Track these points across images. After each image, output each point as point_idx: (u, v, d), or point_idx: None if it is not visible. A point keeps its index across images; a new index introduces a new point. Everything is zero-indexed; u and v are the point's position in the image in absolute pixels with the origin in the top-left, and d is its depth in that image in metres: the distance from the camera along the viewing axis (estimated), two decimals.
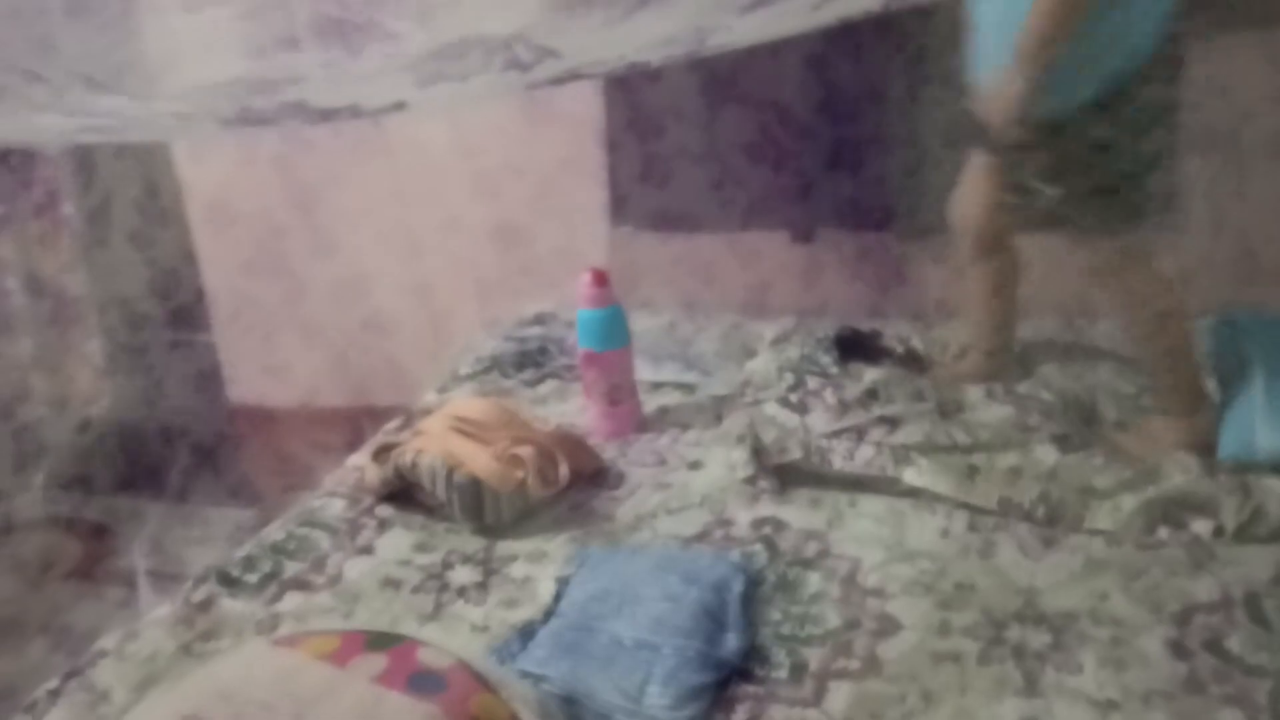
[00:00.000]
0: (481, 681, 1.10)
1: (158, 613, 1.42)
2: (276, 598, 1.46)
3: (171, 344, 2.43)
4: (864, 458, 1.61)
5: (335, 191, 2.46)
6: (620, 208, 2.31)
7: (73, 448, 2.61)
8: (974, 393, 1.75)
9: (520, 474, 1.60)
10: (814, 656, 1.26)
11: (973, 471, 1.55)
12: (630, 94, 2.22)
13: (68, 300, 2.62)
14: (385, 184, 2.41)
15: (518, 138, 2.36)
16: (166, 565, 2.10)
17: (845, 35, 2.01)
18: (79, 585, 2.36)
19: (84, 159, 2.56)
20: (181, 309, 2.45)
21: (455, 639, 1.32)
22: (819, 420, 1.70)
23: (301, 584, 1.49)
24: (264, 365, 2.59)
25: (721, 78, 2.14)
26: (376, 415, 2.44)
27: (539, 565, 1.50)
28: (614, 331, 1.84)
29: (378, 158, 2.38)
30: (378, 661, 1.09)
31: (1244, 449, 1.49)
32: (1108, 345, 1.92)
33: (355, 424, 2.49)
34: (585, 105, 2.26)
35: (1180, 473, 1.49)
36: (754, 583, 1.39)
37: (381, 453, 1.69)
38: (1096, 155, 1.50)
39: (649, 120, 2.22)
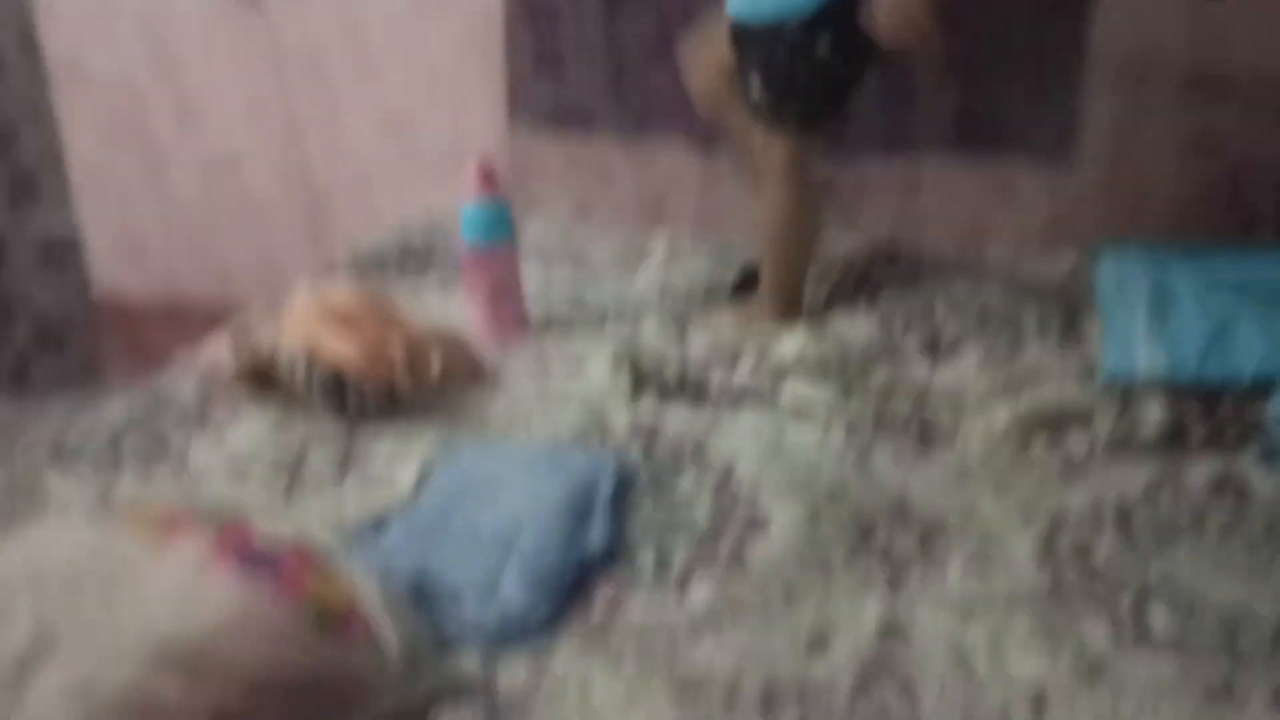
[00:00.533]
0: (319, 566, 1.02)
1: None
2: (112, 479, 1.35)
3: (18, 214, 2.22)
4: (739, 378, 1.58)
5: (204, 60, 2.28)
6: (515, 103, 2.21)
7: None
8: (840, 308, 1.78)
9: (388, 366, 1.52)
10: (680, 554, 1.22)
11: (847, 389, 1.54)
12: None
13: None
14: (262, 60, 2.25)
15: (410, 23, 2.22)
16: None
17: None
18: None
19: None
20: (27, 175, 2.23)
21: (305, 530, 1.24)
22: (696, 341, 1.68)
23: (141, 463, 1.38)
24: (120, 246, 2.41)
25: None
26: (242, 309, 2.31)
27: (401, 460, 1.42)
28: (499, 226, 1.75)
29: (254, 31, 2.22)
30: (205, 540, 1.01)
31: (1125, 368, 1.48)
32: (994, 267, 1.92)
33: (218, 317, 2.36)
34: None
35: (1056, 379, 1.49)
36: (625, 481, 1.34)
37: (240, 337, 1.58)
38: (807, 60, 1.61)
39: (548, 10, 2.11)
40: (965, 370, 1.58)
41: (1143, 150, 1.98)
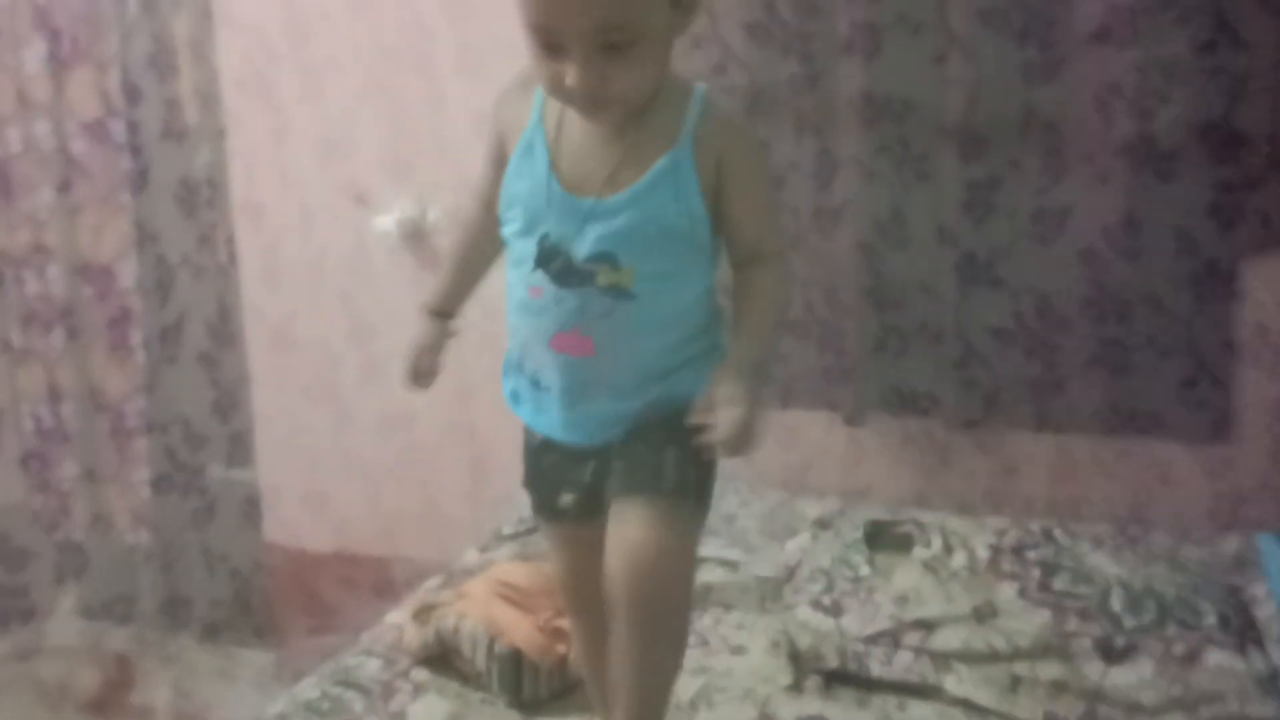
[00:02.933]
0: None
1: None
2: None
3: (219, 471, 2.42)
4: (902, 664, 1.58)
5: (391, 324, 2.51)
6: None
7: (111, 571, 2.58)
8: (1007, 594, 1.68)
9: (562, 648, 1.58)
10: None
11: (1015, 683, 1.52)
12: None
13: (125, 419, 2.64)
14: None
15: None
16: (187, 706, 2.04)
17: (895, 225, 2.07)
18: (92, 718, 2.30)
19: (162, 276, 2.63)
20: (234, 435, 2.45)
21: None
22: (853, 623, 1.66)
23: None
24: (302, 499, 2.60)
25: None
26: (408, 564, 2.40)
27: None
28: None
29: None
30: None
31: None
32: (1159, 551, 1.88)
33: (386, 569, 2.46)
34: None
35: (1236, 696, 1.45)
36: None
37: (422, 613, 1.68)
38: None
39: None
40: (1142, 672, 1.52)
41: None
